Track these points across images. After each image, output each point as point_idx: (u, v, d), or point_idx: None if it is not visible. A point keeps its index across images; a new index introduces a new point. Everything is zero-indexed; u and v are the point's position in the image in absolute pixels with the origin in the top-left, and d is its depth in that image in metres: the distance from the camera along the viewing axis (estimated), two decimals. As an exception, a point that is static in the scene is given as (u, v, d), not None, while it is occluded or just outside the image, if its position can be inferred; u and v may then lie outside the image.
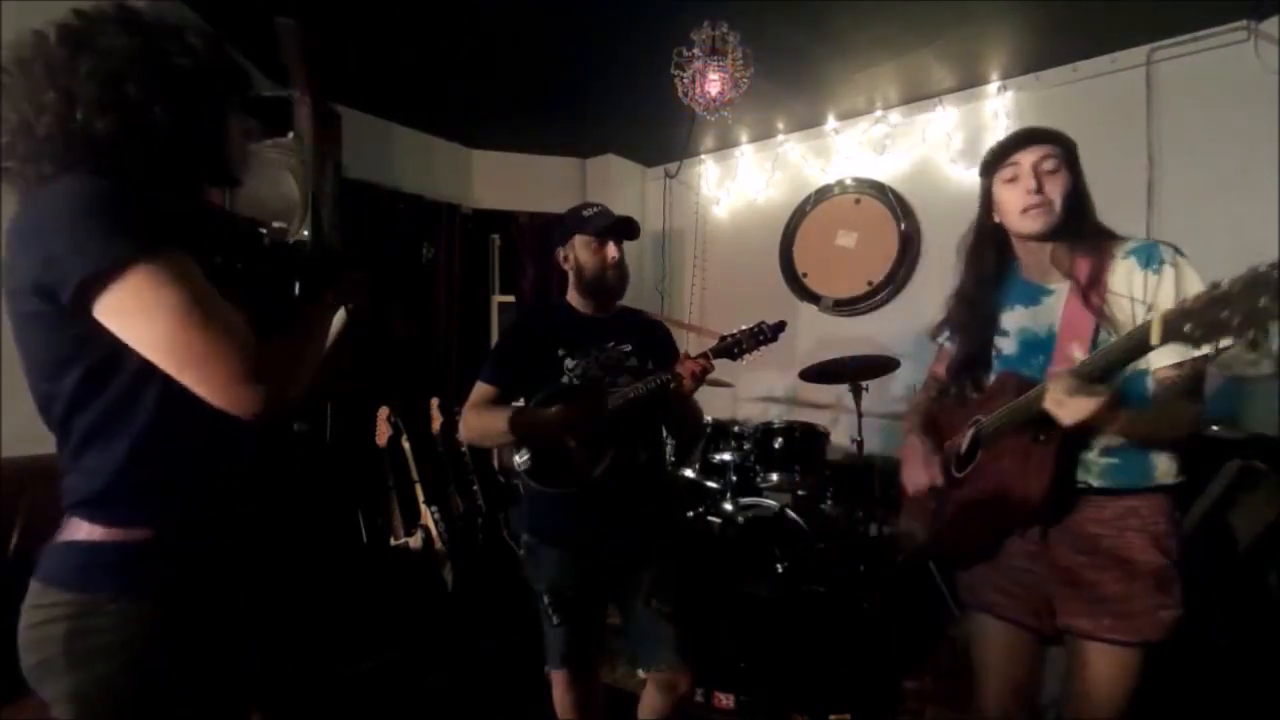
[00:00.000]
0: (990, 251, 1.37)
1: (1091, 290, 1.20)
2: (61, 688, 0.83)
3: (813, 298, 3.72)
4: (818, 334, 3.67)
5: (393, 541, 3.05)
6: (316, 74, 1.17)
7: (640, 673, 1.69)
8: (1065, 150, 1.26)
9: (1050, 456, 1.17)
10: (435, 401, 3.25)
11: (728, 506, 2.88)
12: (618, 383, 1.62)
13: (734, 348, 1.58)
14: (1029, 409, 1.15)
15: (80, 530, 0.84)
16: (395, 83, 3.16)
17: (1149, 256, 1.19)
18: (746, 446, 3.02)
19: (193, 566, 0.89)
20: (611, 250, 1.70)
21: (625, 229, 1.72)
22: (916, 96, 3.32)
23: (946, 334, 1.50)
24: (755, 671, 2.37)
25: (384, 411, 3.02)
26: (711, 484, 3.04)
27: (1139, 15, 2.58)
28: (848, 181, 3.61)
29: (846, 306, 3.60)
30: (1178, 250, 1.20)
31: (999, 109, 3.11)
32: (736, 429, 3.11)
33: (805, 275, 3.75)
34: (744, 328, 1.59)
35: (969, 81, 3.16)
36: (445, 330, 3.80)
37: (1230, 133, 2.61)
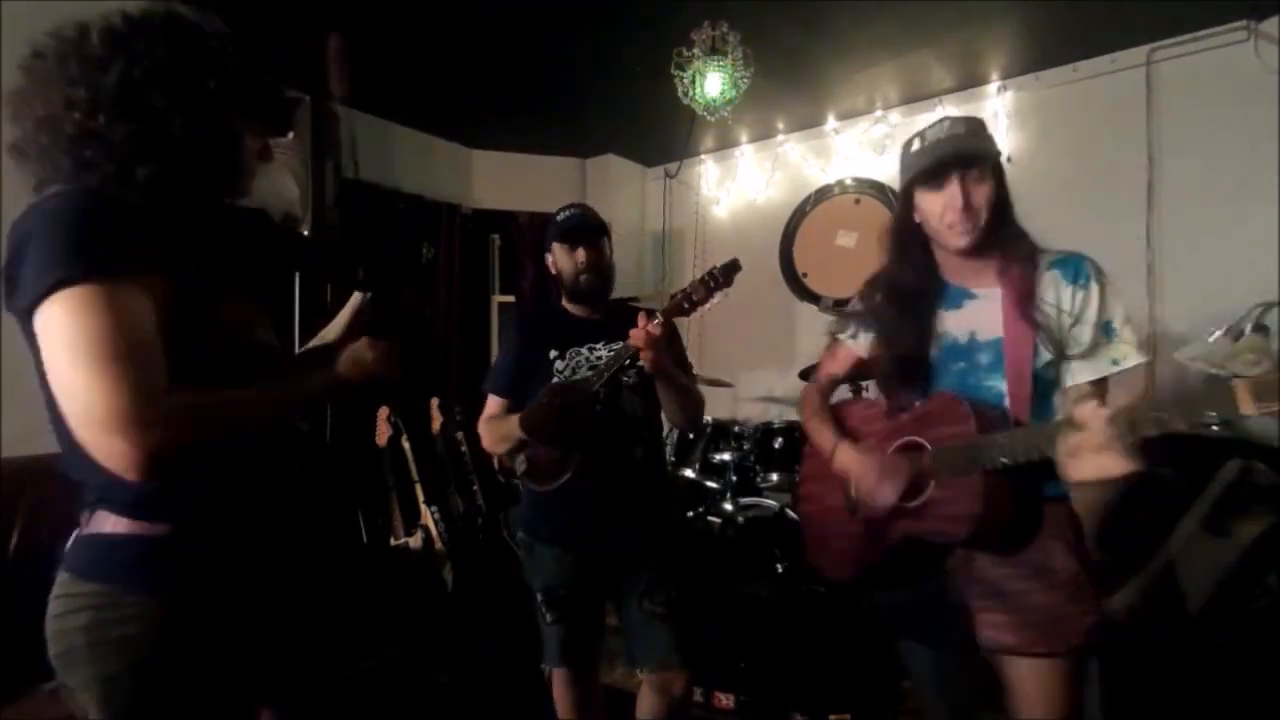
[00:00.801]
0: (916, 248, 1.29)
1: (1026, 300, 1.17)
2: (84, 675, 0.85)
3: (813, 298, 3.71)
4: (818, 334, 3.66)
5: (393, 541, 3.05)
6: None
7: (639, 673, 1.69)
8: (991, 160, 1.21)
9: (1008, 487, 1.10)
10: (435, 401, 3.26)
11: (728, 506, 2.88)
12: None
13: (685, 302, 1.51)
14: (1031, 447, 1.03)
15: (105, 524, 0.87)
16: (395, 83, 3.15)
17: (1076, 271, 1.18)
18: (746, 446, 3.02)
19: (209, 560, 0.92)
20: (580, 254, 1.68)
21: (588, 230, 1.70)
22: (916, 96, 3.32)
23: (852, 331, 1.40)
24: (755, 671, 2.37)
25: (384, 411, 3.02)
26: (711, 484, 3.04)
27: (1139, 15, 2.58)
28: (848, 181, 3.61)
29: (846, 306, 3.59)
30: (1099, 268, 1.19)
31: (999, 109, 3.11)
32: (736, 429, 3.10)
33: (805, 275, 3.75)
34: (693, 279, 1.52)
35: (969, 81, 3.16)
36: (445, 330, 3.80)
37: (1230, 133, 2.61)
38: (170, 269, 0.85)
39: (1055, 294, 1.17)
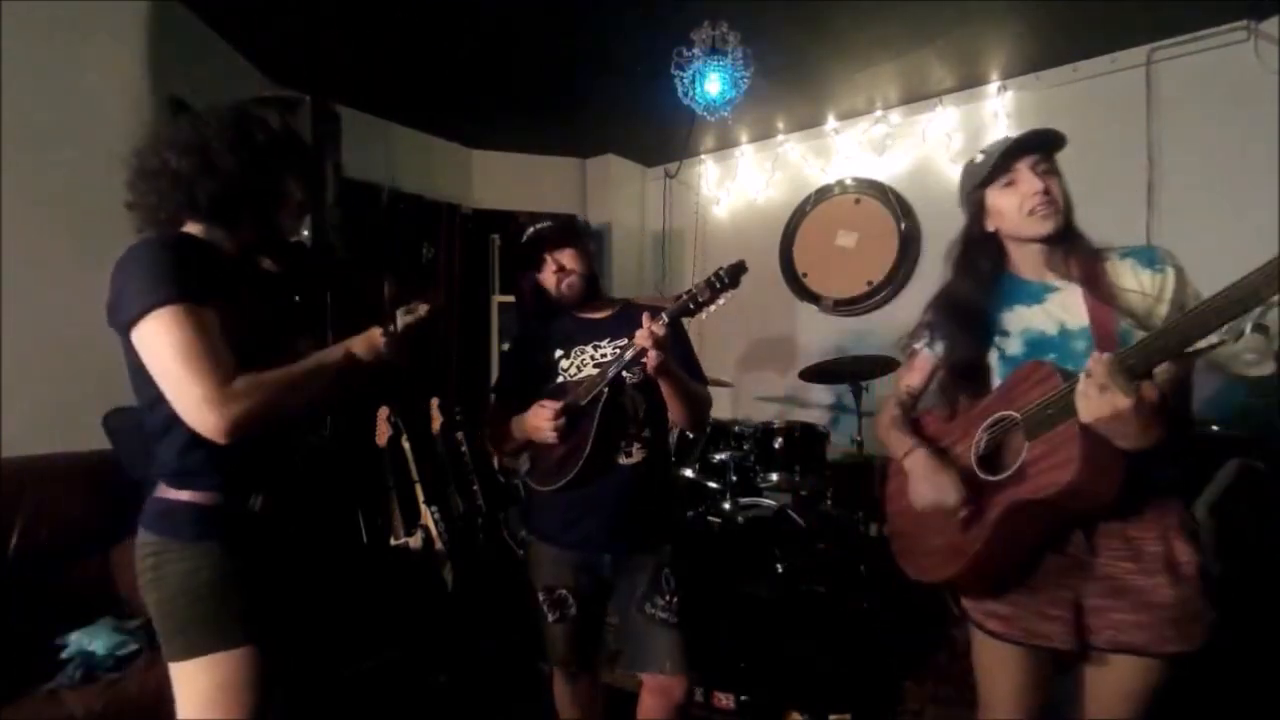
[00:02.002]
0: (984, 259, 1.34)
1: (1103, 286, 1.21)
2: (150, 599, 1.15)
3: (813, 298, 3.72)
4: (818, 334, 3.68)
5: (393, 541, 3.05)
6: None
7: (639, 676, 1.69)
8: (1052, 154, 1.28)
9: (1105, 440, 1.04)
10: (435, 401, 3.25)
11: (728, 506, 2.88)
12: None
13: (691, 303, 1.46)
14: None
15: (167, 492, 1.16)
16: (395, 83, 3.16)
17: (1150, 258, 1.23)
18: (746, 446, 3.02)
19: (244, 524, 1.18)
20: (550, 265, 1.71)
21: (549, 238, 1.72)
22: (916, 96, 3.32)
23: (926, 339, 1.41)
24: (755, 671, 2.37)
25: (384, 411, 3.02)
26: (711, 484, 3.04)
27: (1139, 15, 2.58)
28: (848, 181, 3.61)
29: (846, 306, 3.60)
30: (1173, 255, 1.23)
31: (999, 109, 3.12)
32: (736, 429, 3.10)
33: (805, 275, 3.76)
34: (699, 280, 1.47)
35: (969, 81, 3.16)
36: (445, 330, 3.80)
37: (1230, 133, 2.61)
38: (229, 295, 1.12)
39: (1135, 280, 1.22)
